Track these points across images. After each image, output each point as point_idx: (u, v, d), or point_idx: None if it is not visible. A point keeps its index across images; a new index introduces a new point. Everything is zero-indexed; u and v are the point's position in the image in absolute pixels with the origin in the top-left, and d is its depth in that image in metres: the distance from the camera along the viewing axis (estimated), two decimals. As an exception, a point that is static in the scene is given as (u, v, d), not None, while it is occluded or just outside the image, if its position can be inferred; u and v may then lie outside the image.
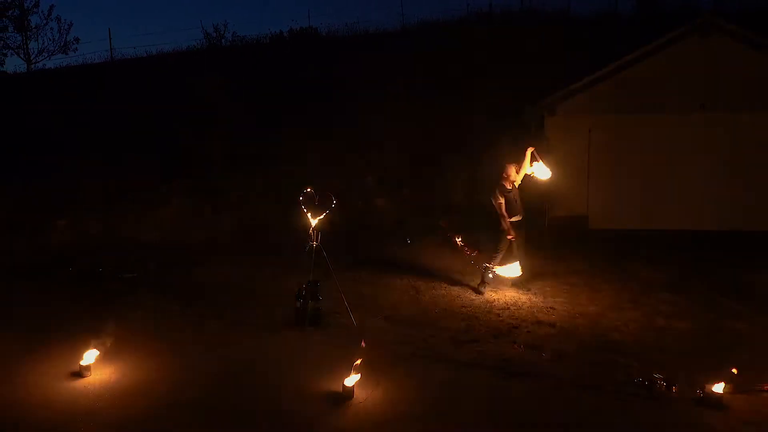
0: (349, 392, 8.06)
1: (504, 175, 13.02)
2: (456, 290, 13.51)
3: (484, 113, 21.91)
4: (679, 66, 19.19)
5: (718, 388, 7.99)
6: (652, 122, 19.36)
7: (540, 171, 13.03)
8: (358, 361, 8.48)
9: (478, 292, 13.23)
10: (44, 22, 40.25)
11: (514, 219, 13.04)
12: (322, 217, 11.17)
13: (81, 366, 8.83)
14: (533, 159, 13.06)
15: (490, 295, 13.01)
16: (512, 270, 13.18)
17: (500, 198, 12.88)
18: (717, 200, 19.06)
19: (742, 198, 18.99)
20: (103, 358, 9.15)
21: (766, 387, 8.28)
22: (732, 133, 19.06)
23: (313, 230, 11.19)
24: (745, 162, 19.02)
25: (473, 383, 8.67)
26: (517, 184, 13.15)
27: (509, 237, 12.96)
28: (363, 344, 9.68)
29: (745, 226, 18.55)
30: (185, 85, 27.40)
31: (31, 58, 40.34)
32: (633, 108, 19.38)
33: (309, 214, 11.16)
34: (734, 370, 8.40)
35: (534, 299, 12.78)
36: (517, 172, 13.07)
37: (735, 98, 18.90)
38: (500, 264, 13.26)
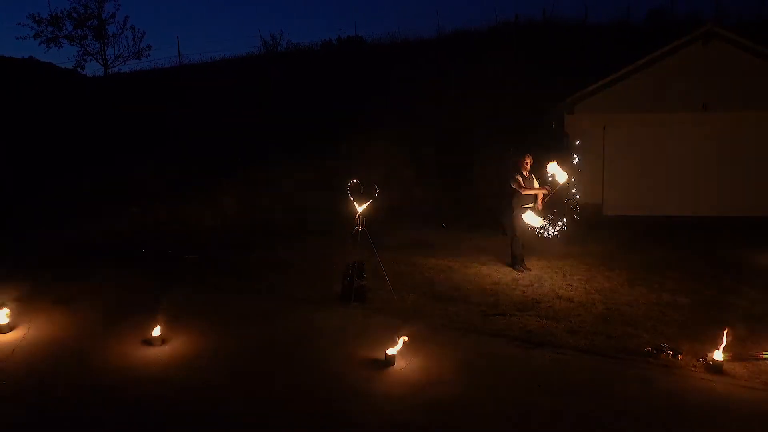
0: (390, 360, 8.16)
1: (519, 163, 13.23)
2: (485, 269, 13.57)
3: (511, 112, 21.92)
4: (684, 70, 19.22)
5: (719, 356, 8.00)
6: (660, 120, 19.39)
7: (558, 174, 12.99)
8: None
9: (516, 269, 13.38)
10: (120, 31, 40.80)
11: (525, 205, 13.15)
12: (367, 204, 11.28)
13: (152, 336, 8.91)
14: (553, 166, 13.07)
15: (517, 273, 13.09)
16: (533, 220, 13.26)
17: (518, 178, 13.04)
18: (718, 189, 19.09)
19: (741, 187, 18.99)
20: (171, 329, 9.27)
21: (762, 355, 8.28)
22: (731, 130, 19.08)
23: (359, 216, 11.32)
24: (743, 155, 19.05)
25: (499, 352, 8.72)
26: (535, 182, 13.29)
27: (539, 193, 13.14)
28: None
29: (744, 212, 18.49)
30: (245, 86, 27.65)
31: (108, 63, 40.91)
32: (643, 107, 19.40)
33: (355, 202, 11.28)
34: (732, 339, 8.40)
35: (554, 277, 12.82)
36: (529, 164, 13.22)
37: (734, 99, 18.89)
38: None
